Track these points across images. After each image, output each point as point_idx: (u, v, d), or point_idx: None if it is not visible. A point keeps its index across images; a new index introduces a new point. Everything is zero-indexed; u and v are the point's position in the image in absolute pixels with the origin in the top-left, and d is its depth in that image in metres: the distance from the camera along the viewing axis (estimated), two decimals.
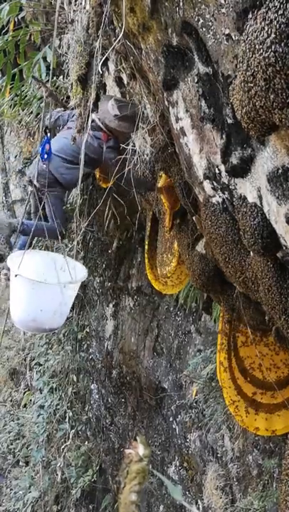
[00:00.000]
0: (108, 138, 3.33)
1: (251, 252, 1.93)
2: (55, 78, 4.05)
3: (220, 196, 1.91)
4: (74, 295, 3.64)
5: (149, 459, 1.05)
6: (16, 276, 3.30)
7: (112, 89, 2.71)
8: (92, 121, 3.12)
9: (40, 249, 5.51)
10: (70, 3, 2.75)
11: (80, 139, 3.14)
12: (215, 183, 1.89)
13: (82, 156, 2.80)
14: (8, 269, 3.68)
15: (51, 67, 3.67)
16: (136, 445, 1.04)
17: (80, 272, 3.68)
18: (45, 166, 3.51)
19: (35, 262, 3.57)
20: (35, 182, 3.61)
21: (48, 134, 3.56)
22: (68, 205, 4.29)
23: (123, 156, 2.59)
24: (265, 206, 1.67)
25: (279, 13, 1.17)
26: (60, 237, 3.73)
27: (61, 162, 3.66)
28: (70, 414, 5.54)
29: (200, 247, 2.53)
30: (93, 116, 3.06)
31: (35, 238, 5.56)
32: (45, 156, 3.58)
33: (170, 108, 1.92)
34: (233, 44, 1.47)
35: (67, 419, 5.53)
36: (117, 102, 2.84)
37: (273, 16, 1.19)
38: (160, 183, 2.91)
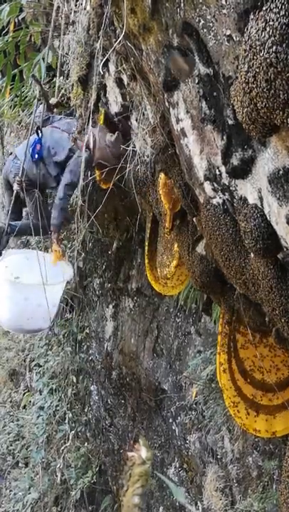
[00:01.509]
0: (86, 149, 3.37)
1: (252, 253, 1.93)
2: (55, 79, 4.05)
3: (220, 197, 1.91)
4: (58, 293, 3.65)
5: (151, 462, 1.05)
6: None
7: (113, 90, 2.71)
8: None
9: (40, 250, 5.52)
10: (68, 2, 2.75)
11: (80, 140, 3.16)
12: (215, 184, 1.88)
13: (83, 158, 2.81)
14: None
15: (43, 69, 3.69)
16: (138, 448, 1.03)
17: (65, 271, 3.69)
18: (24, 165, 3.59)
19: (12, 261, 3.59)
20: (17, 180, 3.66)
21: (40, 135, 3.61)
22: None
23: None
24: (266, 207, 1.67)
25: (280, 14, 1.17)
26: (42, 233, 3.83)
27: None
28: (70, 415, 5.53)
29: (200, 248, 2.52)
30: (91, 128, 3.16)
31: (35, 238, 5.56)
32: (36, 156, 3.63)
33: (170, 109, 1.92)
34: (234, 45, 1.47)
35: (66, 421, 5.52)
36: (117, 135, 2.94)
37: (274, 16, 1.19)
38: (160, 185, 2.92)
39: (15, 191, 3.73)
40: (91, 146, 3.34)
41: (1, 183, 4.15)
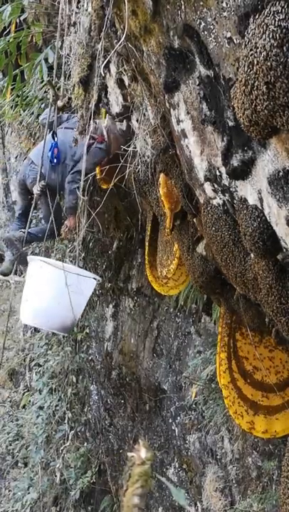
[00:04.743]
0: (102, 141, 3.48)
1: (251, 254, 1.94)
2: (56, 80, 4.06)
3: (220, 198, 1.92)
4: (86, 298, 3.71)
5: (152, 462, 1.05)
6: (40, 266, 3.38)
7: (114, 90, 2.71)
8: (98, 128, 3.30)
9: (40, 250, 5.52)
10: (69, 2, 2.76)
11: (81, 140, 3.17)
12: (216, 185, 1.89)
13: (83, 159, 2.83)
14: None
15: (44, 69, 3.71)
16: (139, 448, 1.03)
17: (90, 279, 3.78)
18: (40, 169, 3.59)
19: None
20: (38, 185, 3.66)
21: (56, 139, 3.63)
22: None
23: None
24: (266, 208, 1.68)
25: (280, 18, 1.18)
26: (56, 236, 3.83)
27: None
28: (70, 415, 5.53)
29: (200, 248, 2.53)
30: (99, 122, 3.23)
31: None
32: (55, 160, 3.66)
33: (171, 110, 1.92)
34: (234, 47, 1.48)
35: (66, 420, 5.52)
36: (127, 123, 2.98)
37: (274, 20, 1.19)
38: (160, 186, 2.93)
39: (36, 196, 3.73)
40: (106, 137, 3.47)
41: (17, 188, 4.15)
